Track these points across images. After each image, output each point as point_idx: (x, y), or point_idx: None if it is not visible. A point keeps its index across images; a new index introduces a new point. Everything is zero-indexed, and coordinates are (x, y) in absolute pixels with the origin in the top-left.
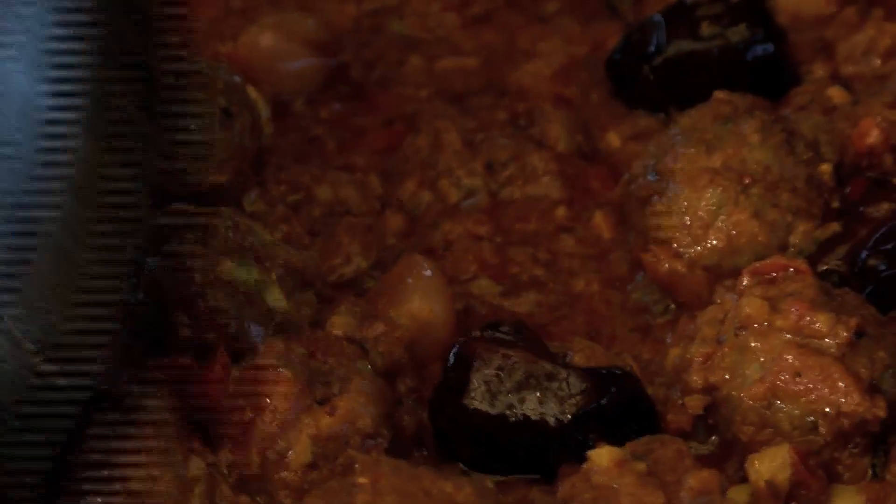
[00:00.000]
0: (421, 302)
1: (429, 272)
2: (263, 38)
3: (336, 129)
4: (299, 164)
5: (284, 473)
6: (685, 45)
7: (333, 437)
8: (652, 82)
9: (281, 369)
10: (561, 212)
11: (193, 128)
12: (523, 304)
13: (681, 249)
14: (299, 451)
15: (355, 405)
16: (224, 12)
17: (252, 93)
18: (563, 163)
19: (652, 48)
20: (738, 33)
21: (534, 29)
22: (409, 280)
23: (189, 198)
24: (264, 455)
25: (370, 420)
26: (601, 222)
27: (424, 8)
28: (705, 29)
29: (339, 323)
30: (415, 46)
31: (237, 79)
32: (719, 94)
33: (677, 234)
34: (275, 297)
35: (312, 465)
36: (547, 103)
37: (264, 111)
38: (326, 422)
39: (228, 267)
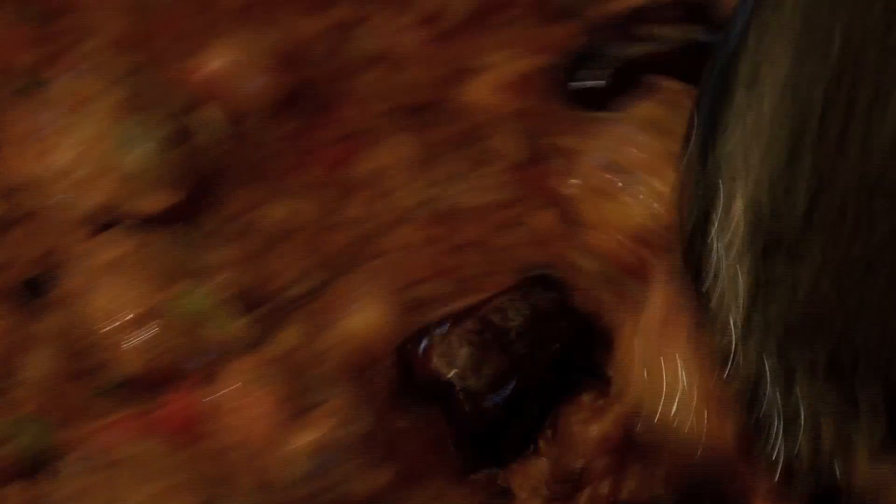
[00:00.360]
0: (368, 316)
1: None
2: (223, 55)
3: (293, 146)
4: (256, 182)
5: (285, 487)
6: (640, 48)
7: (330, 444)
8: (610, 88)
9: (262, 384)
10: (511, 212)
11: (146, 148)
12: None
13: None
14: (296, 465)
15: (347, 409)
16: (184, 30)
17: (209, 111)
18: (517, 171)
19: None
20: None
21: (494, 38)
22: (351, 299)
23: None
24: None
25: (363, 422)
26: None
27: (389, 23)
28: (657, 31)
29: (290, 338)
30: (377, 61)
31: (193, 98)
32: (670, 83)
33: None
34: (224, 319)
35: (311, 476)
36: (503, 114)
37: (221, 129)
38: (321, 429)
39: (175, 290)
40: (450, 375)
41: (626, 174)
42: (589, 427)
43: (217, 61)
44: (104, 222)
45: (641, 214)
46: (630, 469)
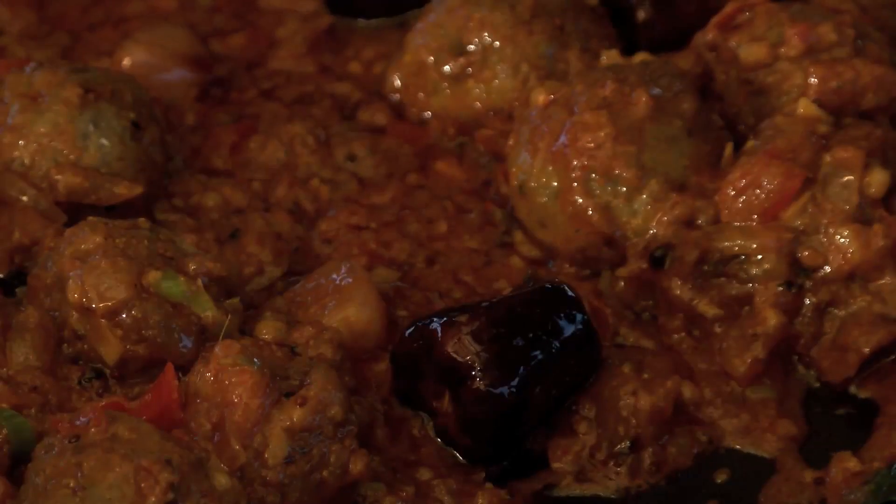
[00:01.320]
0: (357, 310)
1: (358, 279)
2: (137, 53)
3: (210, 137)
4: (197, 171)
5: (264, 471)
6: None
7: (307, 428)
8: None
9: (245, 366)
10: (413, 178)
11: (104, 142)
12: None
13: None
14: (276, 446)
15: (324, 394)
16: (98, 26)
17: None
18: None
19: None
20: None
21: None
22: (341, 288)
23: (102, 211)
24: (246, 450)
25: (340, 408)
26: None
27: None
28: None
29: (268, 328)
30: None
31: (143, 92)
32: None
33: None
34: (203, 305)
35: (290, 459)
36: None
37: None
38: (299, 413)
39: (153, 277)
40: (468, 359)
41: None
42: (639, 399)
43: (131, 59)
44: (70, 215)
45: None
46: (674, 437)
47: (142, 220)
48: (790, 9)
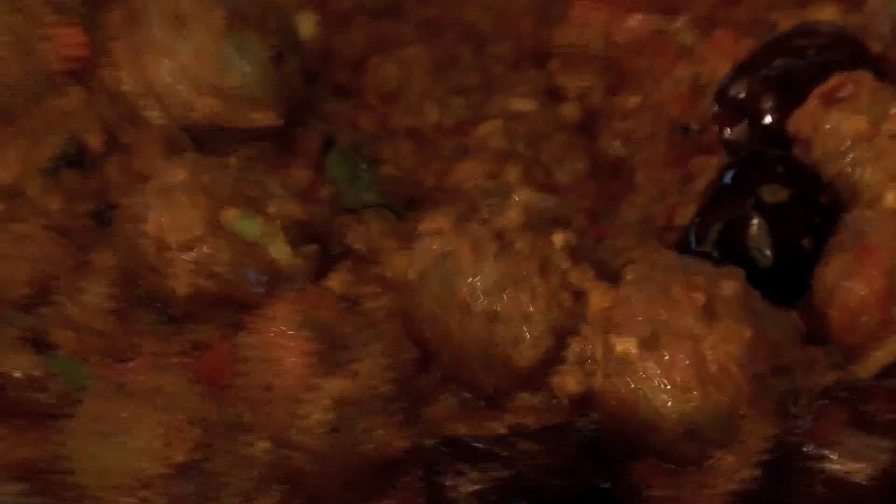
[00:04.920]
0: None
1: None
2: None
3: None
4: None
5: (308, 439)
6: None
7: (355, 401)
8: None
9: (301, 333)
10: None
11: (246, 67)
12: None
13: None
14: (321, 415)
15: (377, 369)
16: None
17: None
18: None
19: None
20: None
21: None
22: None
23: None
24: (290, 415)
25: (391, 384)
26: None
27: None
28: None
29: (339, 280)
30: None
31: (289, 20)
32: None
33: None
34: (278, 248)
35: (334, 429)
36: None
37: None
38: (349, 385)
39: (231, 216)
40: None
41: None
42: None
43: None
44: (210, 139)
45: None
46: None
47: (233, 159)
48: (894, 87)
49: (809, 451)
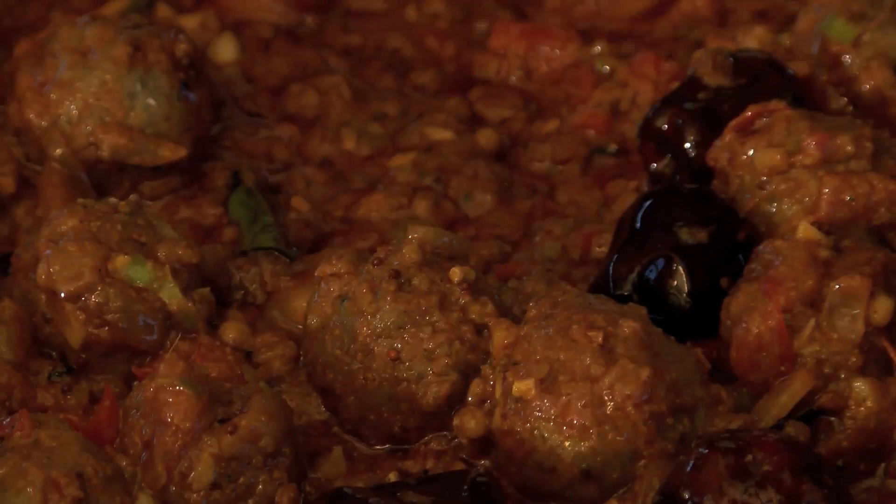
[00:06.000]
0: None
1: None
2: None
3: None
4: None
5: (188, 495)
6: None
7: (236, 456)
8: None
9: (182, 388)
10: None
11: (151, 101)
12: None
13: None
14: (202, 471)
15: (257, 424)
16: None
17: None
18: None
19: None
20: None
21: None
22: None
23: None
24: (170, 472)
25: (272, 439)
26: None
27: None
28: None
29: (233, 329)
30: None
31: (195, 49)
32: None
33: None
34: (169, 292)
35: (215, 486)
36: None
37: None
38: (228, 441)
39: (120, 262)
40: None
41: None
42: None
43: None
44: (115, 175)
45: None
46: None
47: (122, 203)
48: (810, 117)
49: (687, 497)
